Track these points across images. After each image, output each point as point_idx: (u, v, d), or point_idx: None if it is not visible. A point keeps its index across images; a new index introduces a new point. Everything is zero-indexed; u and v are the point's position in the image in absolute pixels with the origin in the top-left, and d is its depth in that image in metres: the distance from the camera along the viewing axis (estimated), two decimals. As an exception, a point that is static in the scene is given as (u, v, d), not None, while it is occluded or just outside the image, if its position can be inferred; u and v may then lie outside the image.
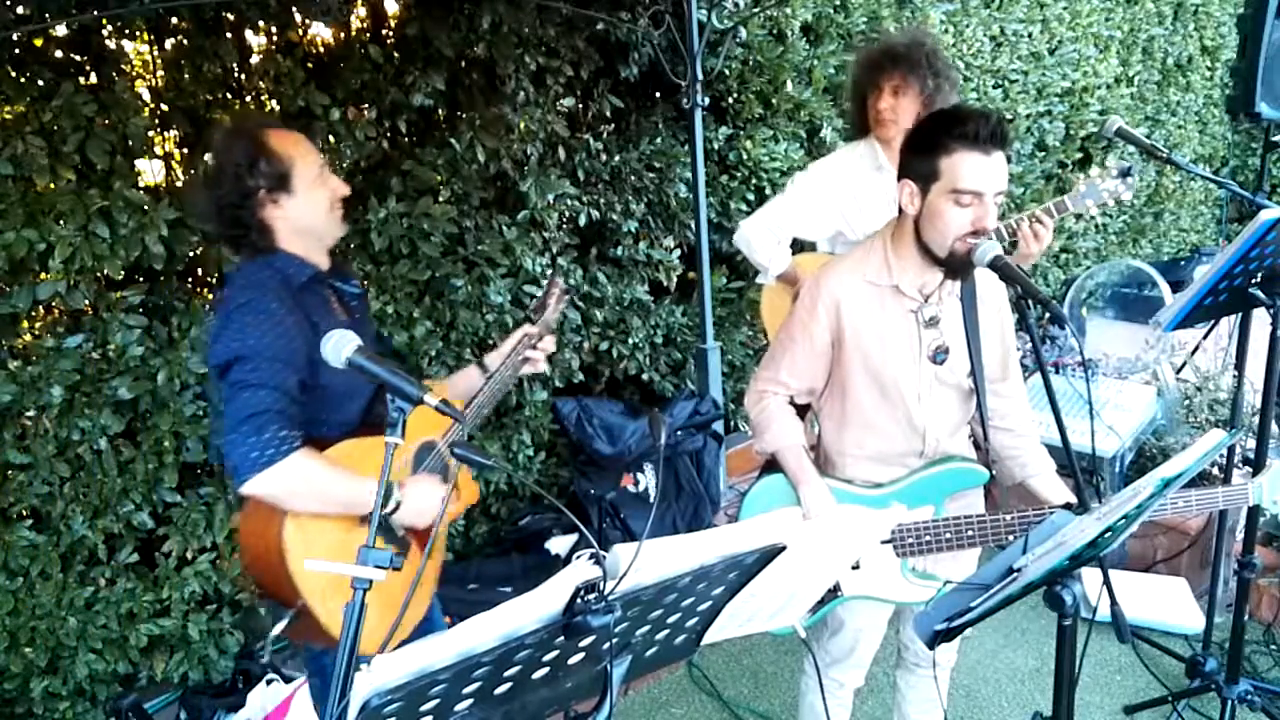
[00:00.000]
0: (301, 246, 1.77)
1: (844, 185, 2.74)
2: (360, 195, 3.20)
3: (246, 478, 1.55)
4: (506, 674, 1.11)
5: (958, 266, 1.79)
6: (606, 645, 1.19)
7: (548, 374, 3.79)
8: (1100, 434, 3.42)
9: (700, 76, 3.79)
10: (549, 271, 3.72)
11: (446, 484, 1.84)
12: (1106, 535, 1.34)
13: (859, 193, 2.72)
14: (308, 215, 1.75)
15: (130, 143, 2.68)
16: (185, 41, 2.87)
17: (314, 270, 1.78)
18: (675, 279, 4.33)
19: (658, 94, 4.24)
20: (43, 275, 2.57)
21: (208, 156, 1.82)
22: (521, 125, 3.57)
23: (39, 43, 2.63)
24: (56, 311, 2.72)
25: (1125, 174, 2.46)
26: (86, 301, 2.65)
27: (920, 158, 1.78)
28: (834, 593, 2.04)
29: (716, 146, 4.33)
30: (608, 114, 3.99)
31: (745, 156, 4.35)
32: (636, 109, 4.15)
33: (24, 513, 2.67)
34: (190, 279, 3.04)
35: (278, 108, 3.07)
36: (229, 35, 2.93)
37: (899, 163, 1.86)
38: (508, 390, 2.05)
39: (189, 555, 2.88)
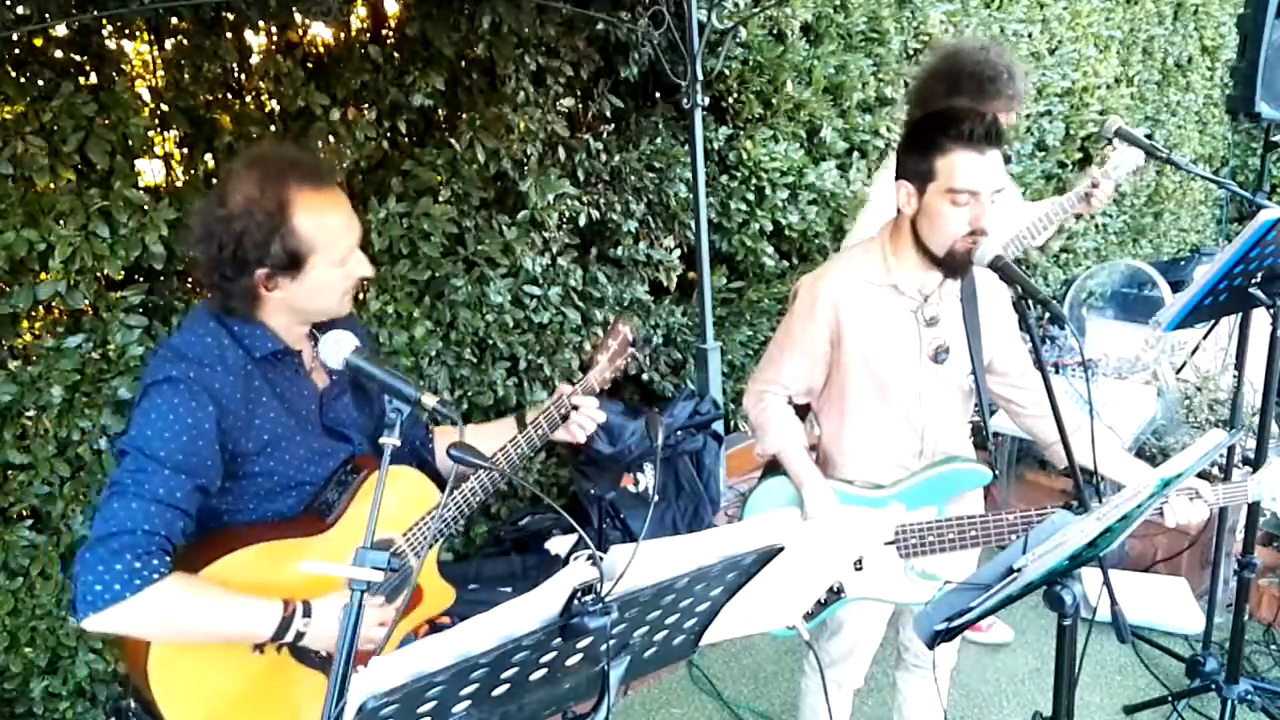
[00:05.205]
0: (283, 322, 1.54)
1: None
2: (360, 195, 3.20)
3: (82, 615, 1.32)
4: (504, 676, 1.11)
5: (957, 266, 1.79)
6: (604, 646, 1.19)
7: (548, 375, 3.79)
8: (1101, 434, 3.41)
9: (700, 76, 3.78)
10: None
11: (392, 601, 1.60)
12: (1106, 535, 1.33)
13: None
14: (307, 299, 1.51)
15: (130, 143, 2.68)
16: (185, 41, 2.87)
17: (281, 347, 1.54)
18: (675, 279, 4.33)
19: (658, 94, 4.24)
20: (43, 275, 2.57)
21: (228, 187, 1.47)
22: (521, 125, 3.57)
23: (39, 43, 2.62)
24: (56, 311, 2.71)
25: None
26: (86, 301, 2.65)
27: (916, 158, 1.78)
28: (838, 594, 2.04)
29: (716, 146, 4.33)
30: (608, 114, 3.99)
31: (745, 156, 4.35)
32: (636, 109, 4.15)
33: (24, 513, 2.67)
34: (190, 279, 3.03)
35: (278, 107, 3.07)
36: (229, 35, 2.93)
37: (896, 162, 1.87)
38: (529, 456, 1.78)
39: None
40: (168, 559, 1.39)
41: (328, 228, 1.47)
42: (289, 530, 1.56)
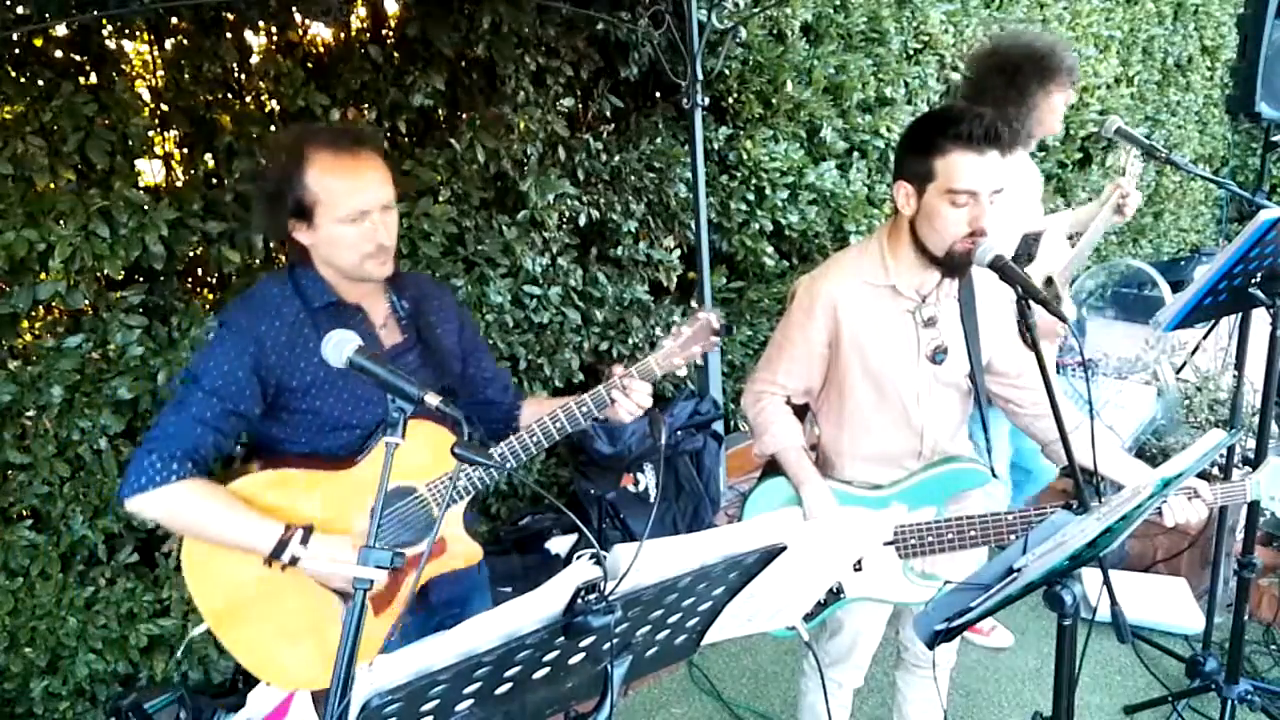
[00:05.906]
0: (331, 275, 1.72)
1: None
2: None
3: (123, 496, 1.60)
4: (507, 674, 1.11)
5: (955, 267, 1.79)
6: (607, 645, 1.19)
7: (548, 375, 3.79)
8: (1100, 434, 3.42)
9: (700, 76, 3.79)
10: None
11: (413, 546, 1.71)
12: (1106, 535, 1.34)
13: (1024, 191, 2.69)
14: (326, 252, 1.69)
15: (130, 143, 2.68)
16: (185, 41, 2.87)
17: (335, 299, 1.72)
18: (675, 279, 4.33)
19: (658, 94, 4.24)
20: (43, 275, 2.57)
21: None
22: (521, 125, 3.57)
23: (39, 43, 2.63)
24: (56, 311, 2.71)
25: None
26: (86, 301, 2.65)
27: (915, 158, 1.78)
28: (837, 594, 2.04)
29: (716, 146, 4.33)
30: (608, 114, 3.99)
31: (745, 156, 4.36)
32: (636, 109, 4.15)
33: (24, 513, 2.67)
34: (190, 279, 3.04)
35: (277, 107, 3.07)
36: (229, 35, 2.93)
37: (895, 162, 1.87)
38: (569, 432, 1.77)
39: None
40: (190, 466, 1.61)
41: (331, 187, 1.63)
42: (325, 463, 1.73)
